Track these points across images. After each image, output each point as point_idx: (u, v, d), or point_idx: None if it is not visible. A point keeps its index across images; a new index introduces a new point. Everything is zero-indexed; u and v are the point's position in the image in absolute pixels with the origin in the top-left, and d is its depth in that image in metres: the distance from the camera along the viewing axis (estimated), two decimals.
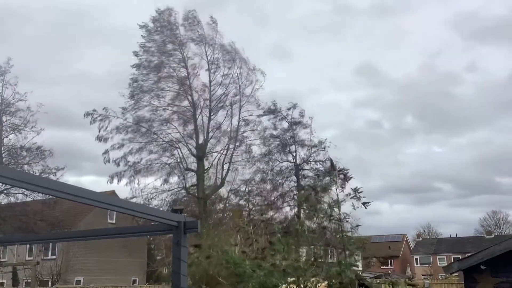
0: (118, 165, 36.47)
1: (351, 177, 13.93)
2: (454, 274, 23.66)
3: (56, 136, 37.54)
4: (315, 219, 13.03)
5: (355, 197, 13.14)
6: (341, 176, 14.03)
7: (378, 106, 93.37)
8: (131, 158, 36.80)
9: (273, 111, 38.38)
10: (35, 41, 63.22)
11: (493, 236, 73.30)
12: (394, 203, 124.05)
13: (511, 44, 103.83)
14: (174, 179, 37.86)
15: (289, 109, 38.43)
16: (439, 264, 67.85)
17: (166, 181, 37.38)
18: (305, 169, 38.39)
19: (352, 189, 13.40)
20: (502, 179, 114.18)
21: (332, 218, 12.90)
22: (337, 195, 13.47)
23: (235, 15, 62.53)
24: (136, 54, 37.53)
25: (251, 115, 38.51)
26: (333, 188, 13.72)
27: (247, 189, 37.94)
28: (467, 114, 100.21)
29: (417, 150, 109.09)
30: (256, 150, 38.92)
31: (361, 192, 13.12)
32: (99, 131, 36.16)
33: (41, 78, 36.69)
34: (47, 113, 39.17)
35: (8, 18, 64.51)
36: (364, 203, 12.88)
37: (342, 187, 13.85)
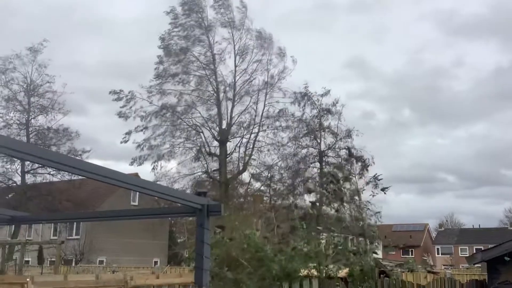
0: (142, 148, 36.75)
1: (370, 165, 13.89)
2: (476, 265, 23.42)
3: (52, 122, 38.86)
4: (335, 205, 13.02)
5: (374, 184, 13.10)
6: (360, 164, 13.99)
7: (372, 98, 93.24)
8: (154, 142, 37.05)
9: (303, 96, 37.71)
10: (21, 34, 63.53)
11: None
12: (399, 194, 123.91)
13: (494, 39, 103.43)
14: (196, 164, 38.03)
15: (321, 95, 37.70)
16: (461, 254, 67.23)
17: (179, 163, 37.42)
18: (330, 156, 37.93)
19: (372, 177, 13.37)
20: (506, 172, 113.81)
21: (352, 204, 12.89)
22: (356, 183, 13.43)
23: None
24: (162, 39, 37.37)
25: (277, 101, 38.08)
26: (353, 177, 13.69)
27: (269, 175, 37.85)
28: (462, 107, 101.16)
29: (417, 142, 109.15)
30: (281, 135, 38.59)
31: (381, 179, 13.05)
32: (122, 109, 36.32)
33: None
34: (73, 92, 39.76)
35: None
36: (383, 189, 12.81)
37: (361, 174, 13.77)
